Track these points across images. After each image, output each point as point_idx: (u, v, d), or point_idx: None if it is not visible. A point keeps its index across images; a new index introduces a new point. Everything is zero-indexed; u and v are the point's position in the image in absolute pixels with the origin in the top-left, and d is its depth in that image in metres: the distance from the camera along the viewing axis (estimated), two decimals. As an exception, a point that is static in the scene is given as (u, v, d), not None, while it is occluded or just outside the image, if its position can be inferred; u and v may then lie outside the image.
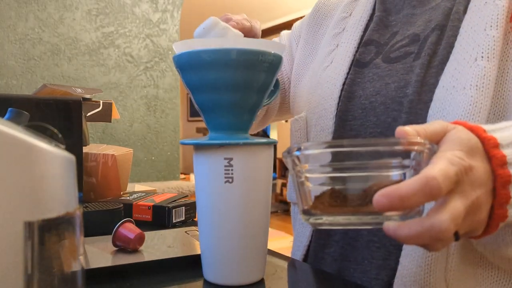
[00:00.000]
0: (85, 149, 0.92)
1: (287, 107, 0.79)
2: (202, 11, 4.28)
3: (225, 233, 0.44)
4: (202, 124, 6.31)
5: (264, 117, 0.81)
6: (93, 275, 0.46)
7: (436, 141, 0.35)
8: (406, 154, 0.32)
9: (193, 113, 7.00)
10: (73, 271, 0.26)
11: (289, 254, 0.61)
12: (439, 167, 0.30)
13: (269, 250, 0.53)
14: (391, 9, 0.63)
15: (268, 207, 0.46)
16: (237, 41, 0.42)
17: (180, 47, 0.43)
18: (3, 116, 0.44)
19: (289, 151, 0.34)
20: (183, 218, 0.76)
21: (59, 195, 0.22)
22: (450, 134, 0.35)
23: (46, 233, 0.20)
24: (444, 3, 0.56)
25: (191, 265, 0.50)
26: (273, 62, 0.44)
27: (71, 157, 0.26)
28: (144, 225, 0.71)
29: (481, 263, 0.50)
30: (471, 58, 0.49)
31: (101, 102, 0.95)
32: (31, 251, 0.18)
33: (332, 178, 0.34)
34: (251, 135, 0.49)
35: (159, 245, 0.56)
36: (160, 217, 0.74)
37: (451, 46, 0.52)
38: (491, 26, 0.49)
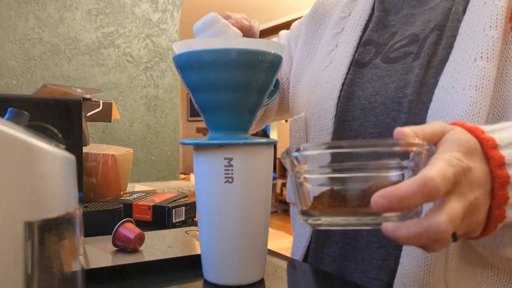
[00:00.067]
0: (85, 149, 0.92)
1: (286, 107, 0.79)
2: (202, 11, 4.28)
3: (225, 233, 0.44)
4: (202, 124, 6.31)
5: (263, 117, 0.81)
6: (93, 275, 0.46)
7: (434, 142, 0.35)
8: (404, 155, 0.33)
9: (193, 113, 7.00)
10: (73, 271, 0.26)
11: (289, 254, 0.61)
12: (437, 168, 0.30)
13: (269, 250, 0.53)
14: (390, 9, 0.63)
15: (268, 207, 0.46)
16: (237, 41, 0.42)
17: (180, 47, 0.43)
18: (3, 116, 0.44)
19: (287, 152, 0.34)
20: (183, 218, 0.76)
21: (59, 195, 0.22)
22: (448, 135, 0.35)
23: (46, 233, 0.20)
24: (443, 3, 0.56)
25: (191, 265, 0.50)
26: (273, 62, 0.44)
27: (71, 157, 0.26)
28: (144, 225, 0.71)
29: (481, 263, 0.50)
30: (471, 58, 0.49)
31: (101, 102, 0.95)
32: (31, 251, 0.18)
33: (331, 179, 0.34)
34: (251, 135, 0.49)
35: (159, 245, 0.56)
36: (160, 217, 0.74)
37: (450, 47, 0.52)
38: (490, 27, 0.49)
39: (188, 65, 0.43)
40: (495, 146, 0.35)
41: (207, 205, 0.44)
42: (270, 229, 0.50)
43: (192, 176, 4.67)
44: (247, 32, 0.58)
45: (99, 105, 0.95)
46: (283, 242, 3.54)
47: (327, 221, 0.33)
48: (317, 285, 0.50)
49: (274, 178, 5.38)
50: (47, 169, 0.20)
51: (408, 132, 0.34)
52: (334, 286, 0.49)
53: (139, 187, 1.16)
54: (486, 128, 0.37)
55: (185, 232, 0.64)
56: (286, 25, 4.67)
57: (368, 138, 0.55)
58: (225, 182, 0.43)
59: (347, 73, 0.60)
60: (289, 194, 0.68)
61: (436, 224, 0.30)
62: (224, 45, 0.42)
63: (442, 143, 0.35)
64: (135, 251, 0.53)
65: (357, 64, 0.60)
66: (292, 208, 0.71)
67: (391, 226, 0.31)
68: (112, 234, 0.53)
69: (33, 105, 0.59)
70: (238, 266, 0.44)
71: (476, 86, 0.47)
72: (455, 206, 0.31)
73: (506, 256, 0.46)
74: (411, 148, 0.32)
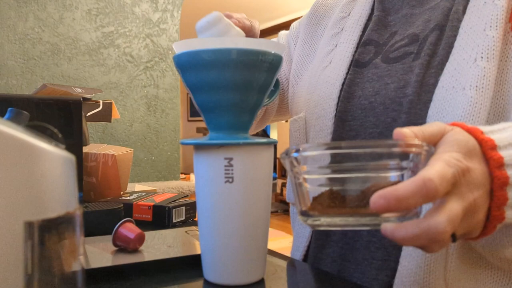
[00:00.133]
0: (85, 149, 0.92)
1: (286, 108, 0.79)
2: (202, 11, 4.28)
3: (225, 233, 0.44)
4: (202, 124, 6.31)
5: (263, 118, 0.81)
6: (93, 275, 0.46)
7: (433, 143, 0.35)
8: (404, 156, 0.33)
9: (193, 113, 7.00)
10: (73, 271, 0.26)
11: (289, 254, 0.61)
12: (436, 169, 0.30)
13: (269, 250, 0.53)
14: (390, 9, 0.63)
15: (268, 207, 0.46)
16: (237, 41, 0.42)
17: (180, 47, 0.43)
18: (3, 116, 0.44)
19: (287, 153, 0.34)
20: (183, 218, 0.76)
21: (59, 195, 0.22)
22: (447, 135, 0.35)
23: (46, 233, 0.20)
24: (443, 3, 0.56)
25: (191, 265, 0.50)
26: (273, 62, 0.44)
27: (71, 157, 0.26)
28: (144, 225, 0.71)
29: (481, 263, 0.50)
30: (471, 58, 0.49)
31: (101, 102, 0.95)
32: (31, 251, 0.18)
33: (330, 179, 0.34)
34: (251, 135, 0.49)
35: (159, 245, 0.56)
36: (160, 217, 0.74)
37: (450, 46, 0.52)
38: (490, 27, 0.49)
39: (188, 65, 0.43)
40: (494, 147, 0.35)
41: (207, 205, 0.44)
42: (270, 229, 0.50)
43: (192, 176, 4.67)
44: (248, 32, 0.58)
45: (99, 105, 0.95)
46: (283, 242, 3.54)
47: (326, 221, 0.33)
48: (317, 285, 0.50)
49: (274, 178, 5.38)
50: (47, 169, 0.20)
51: (407, 133, 0.34)
52: (334, 286, 0.49)
53: (139, 187, 1.16)
54: (485, 129, 0.37)
55: (185, 232, 0.64)
56: (286, 25, 4.66)
57: (368, 139, 0.55)
58: (225, 182, 0.43)
59: (347, 73, 0.60)
60: (289, 194, 0.68)
61: (435, 224, 0.30)
62: (224, 45, 0.42)
63: (441, 144, 0.35)
64: (135, 251, 0.53)
65: (357, 64, 0.60)
66: (292, 208, 0.71)
67: (390, 226, 0.31)
68: (112, 234, 0.53)
69: (33, 105, 0.59)
70: (238, 266, 0.44)
71: (476, 86, 0.47)
72: (454, 207, 0.31)
73: (505, 257, 0.46)
74: (410, 149, 0.32)
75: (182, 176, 4.61)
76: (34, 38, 2.03)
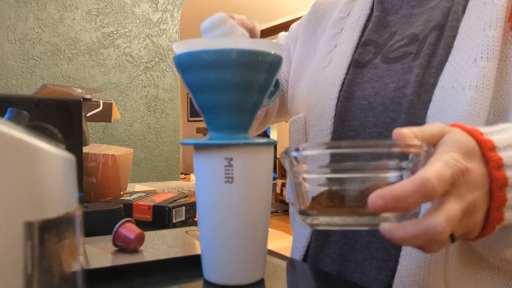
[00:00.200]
0: (85, 149, 0.92)
1: (286, 109, 0.79)
2: (202, 11, 4.29)
3: (225, 233, 0.44)
4: (202, 124, 6.31)
5: (264, 119, 0.81)
6: (93, 275, 0.46)
7: (433, 144, 0.35)
8: (403, 156, 0.33)
9: (193, 113, 7.00)
10: (73, 271, 0.26)
11: (289, 254, 0.61)
12: (434, 169, 0.30)
13: (269, 250, 0.53)
14: (390, 9, 0.63)
15: (268, 207, 0.46)
16: (237, 42, 0.42)
17: (180, 47, 0.43)
18: (3, 116, 0.44)
19: (286, 152, 0.34)
20: (183, 218, 0.76)
21: (59, 195, 0.22)
22: (447, 136, 0.35)
23: (46, 233, 0.20)
24: (443, 3, 0.56)
25: (191, 265, 0.50)
26: (273, 62, 0.44)
27: (71, 157, 0.26)
28: (144, 225, 0.71)
29: (481, 263, 0.50)
30: (471, 58, 0.49)
31: (101, 102, 0.95)
32: (31, 251, 0.18)
33: (329, 179, 0.34)
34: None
35: (159, 245, 0.56)
36: (160, 217, 0.74)
37: (450, 46, 0.52)
38: (490, 26, 0.49)
39: (188, 65, 0.43)
40: (493, 148, 0.35)
41: (207, 205, 0.44)
42: (270, 229, 0.50)
43: (192, 176, 4.67)
44: (251, 33, 0.58)
45: (99, 105, 0.95)
46: (283, 242, 3.54)
47: (325, 221, 0.33)
48: (317, 285, 0.50)
49: (274, 178, 5.38)
50: (47, 169, 0.20)
51: (406, 133, 0.34)
52: (334, 286, 0.49)
53: (139, 187, 1.16)
54: (484, 130, 0.37)
55: (185, 232, 0.64)
56: (286, 25, 4.66)
57: (368, 139, 0.55)
58: (225, 182, 0.43)
59: (346, 73, 0.60)
60: (289, 195, 0.68)
61: (433, 225, 0.30)
62: (224, 46, 0.42)
63: (441, 145, 0.35)
64: (135, 251, 0.53)
65: (356, 64, 0.60)
66: (292, 208, 0.71)
67: (388, 226, 0.31)
68: (112, 234, 0.53)
69: (33, 105, 0.59)
70: (238, 266, 0.44)
71: (476, 86, 0.47)
72: (453, 207, 0.31)
73: (506, 258, 0.46)
74: (409, 149, 0.32)
75: (182, 176, 4.61)
76: (34, 38, 2.03)
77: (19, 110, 0.44)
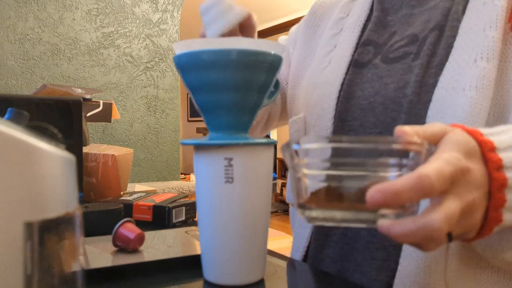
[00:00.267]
0: (85, 149, 0.92)
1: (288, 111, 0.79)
2: (202, 11, 4.28)
3: (225, 233, 0.44)
4: (202, 124, 6.31)
5: (267, 122, 0.81)
6: (93, 275, 0.46)
7: (434, 143, 0.35)
8: (404, 154, 0.33)
9: (193, 113, 7.00)
10: (73, 272, 0.26)
11: (289, 254, 0.61)
12: (434, 166, 0.30)
13: (269, 250, 0.53)
14: (389, 9, 0.63)
15: (268, 207, 0.46)
16: (237, 42, 0.42)
17: (181, 48, 0.44)
18: (3, 116, 0.44)
19: (288, 145, 0.34)
20: (183, 218, 0.76)
21: (59, 195, 0.22)
22: (448, 136, 0.35)
23: (46, 233, 0.20)
24: (443, 3, 0.56)
25: (191, 265, 0.50)
26: (273, 63, 0.44)
27: (71, 157, 0.26)
28: (144, 225, 0.71)
29: (481, 264, 0.50)
30: (471, 59, 0.49)
31: (101, 102, 0.95)
32: (31, 251, 0.18)
33: (329, 175, 0.34)
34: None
35: (159, 245, 0.56)
36: (160, 217, 0.74)
37: (450, 47, 0.52)
38: (490, 27, 0.49)
39: (188, 65, 0.43)
40: (493, 149, 0.35)
41: (207, 205, 0.44)
42: (270, 229, 0.50)
43: (192, 176, 4.67)
44: (249, 19, 0.58)
45: (99, 105, 0.95)
46: (283, 242, 3.54)
47: (323, 215, 0.33)
48: (317, 285, 0.50)
49: (274, 178, 5.38)
50: (47, 169, 0.20)
51: (408, 131, 0.34)
52: (334, 286, 0.49)
53: (139, 187, 1.16)
54: (485, 131, 0.37)
55: (185, 232, 0.64)
56: (286, 25, 4.67)
57: (368, 135, 0.55)
58: (225, 182, 0.43)
59: (346, 73, 0.60)
60: (289, 195, 0.68)
61: (432, 222, 0.30)
62: (224, 46, 0.42)
63: (442, 144, 0.35)
64: (135, 251, 0.53)
65: (356, 64, 0.60)
66: (292, 208, 0.71)
67: (386, 222, 0.31)
68: (112, 234, 0.53)
69: (33, 105, 0.59)
70: (238, 266, 0.44)
71: (476, 86, 0.47)
72: (452, 206, 0.31)
73: (505, 260, 0.46)
74: (411, 146, 0.32)
75: (182, 176, 4.61)
76: (34, 38, 2.03)
77: (19, 110, 0.44)
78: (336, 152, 0.33)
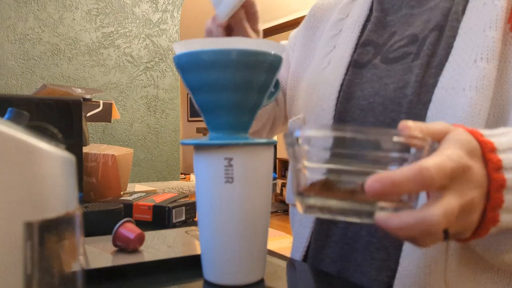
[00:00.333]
0: (85, 149, 0.92)
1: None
2: (202, 11, 4.29)
3: (225, 233, 0.44)
4: (202, 124, 6.31)
5: (272, 127, 0.81)
6: (93, 275, 0.46)
7: (437, 140, 0.35)
8: (406, 149, 0.32)
9: (193, 113, 7.00)
10: (73, 272, 0.26)
11: (289, 254, 0.61)
12: (436, 160, 0.30)
13: (269, 250, 0.53)
14: (389, 9, 0.63)
15: (268, 207, 0.46)
16: (237, 42, 0.42)
17: (181, 48, 0.44)
18: (3, 116, 0.44)
19: (290, 133, 0.34)
20: (183, 218, 0.76)
21: (59, 195, 0.22)
22: (451, 134, 0.35)
23: (46, 233, 0.20)
24: (443, 4, 0.56)
25: (191, 265, 0.50)
26: (273, 63, 0.44)
27: (71, 157, 0.26)
28: (144, 225, 0.71)
29: (481, 264, 0.50)
30: (470, 59, 0.49)
31: (101, 102, 0.95)
32: (31, 251, 0.18)
33: (329, 169, 0.34)
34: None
35: (159, 245, 0.56)
36: (160, 217, 0.74)
37: (450, 47, 0.52)
38: (490, 27, 0.49)
39: (188, 65, 0.43)
40: (493, 150, 0.35)
41: (207, 205, 0.44)
42: (270, 229, 0.50)
43: (192, 176, 4.67)
44: (250, 5, 0.59)
45: (99, 105, 0.95)
46: (283, 242, 3.54)
47: (320, 202, 0.33)
48: (317, 285, 0.50)
49: (274, 178, 5.38)
50: (47, 169, 0.20)
51: (412, 126, 0.34)
52: (334, 286, 0.49)
53: (139, 187, 1.16)
54: (485, 132, 0.37)
55: (185, 232, 0.64)
56: (286, 25, 4.67)
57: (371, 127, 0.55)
58: (225, 182, 0.43)
59: (345, 74, 0.60)
60: (289, 195, 0.68)
61: (430, 216, 0.30)
62: (224, 46, 0.42)
63: (445, 141, 0.35)
64: (135, 251, 0.53)
65: (355, 65, 0.60)
66: (292, 209, 0.71)
67: (384, 215, 0.31)
68: (112, 234, 0.53)
69: (33, 105, 0.59)
70: (238, 266, 0.44)
71: (476, 87, 0.47)
72: (451, 202, 0.31)
73: (505, 262, 0.46)
74: (414, 141, 0.32)
75: (182, 176, 4.61)
76: (34, 38, 2.03)
77: (19, 110, 0.44)
78: (338, 142, 0.32)
